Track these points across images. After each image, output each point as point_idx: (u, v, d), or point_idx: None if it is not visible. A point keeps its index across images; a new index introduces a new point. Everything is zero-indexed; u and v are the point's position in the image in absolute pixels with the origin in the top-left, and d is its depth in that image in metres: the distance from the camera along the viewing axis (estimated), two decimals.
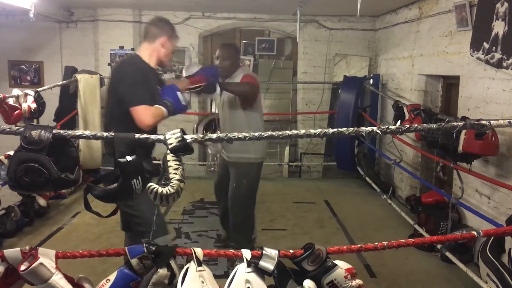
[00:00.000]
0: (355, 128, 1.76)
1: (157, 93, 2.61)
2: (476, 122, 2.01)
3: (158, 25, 2.75)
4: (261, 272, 1.45)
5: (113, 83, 2.66)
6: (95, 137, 1.72)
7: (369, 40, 6.88)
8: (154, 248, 1.44)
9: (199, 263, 1.46)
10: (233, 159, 3.63)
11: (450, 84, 4.85)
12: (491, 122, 1.96)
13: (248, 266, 1.45)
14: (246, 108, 3.54)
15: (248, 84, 3.45)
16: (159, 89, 2.66)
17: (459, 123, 1.90)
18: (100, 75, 6.12)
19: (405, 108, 4.86)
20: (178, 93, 2.60)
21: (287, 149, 6.99)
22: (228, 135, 1.72)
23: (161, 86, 2.73)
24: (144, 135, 1.70)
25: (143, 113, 2.41)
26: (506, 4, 3.33)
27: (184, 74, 3.45)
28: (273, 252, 1.46)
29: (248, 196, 3.69)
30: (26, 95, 4.24)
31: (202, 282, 1.43)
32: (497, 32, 3.43)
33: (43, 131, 1.61)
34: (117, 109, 2.56)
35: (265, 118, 7.13)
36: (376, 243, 1.57)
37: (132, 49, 6.70)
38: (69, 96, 5.99)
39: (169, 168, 1.62)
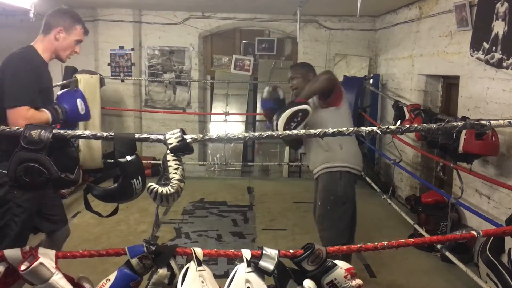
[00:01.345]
0: (355, 128, 1.76)
1: (49, 90, 2.45)
2: (476, 122, 2.00)
3: (55, 15, 2.50)
4: (261, 272, 1.45)
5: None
6: (95, 137, 1.71)
7: (369, 40, 6.88)
8: (154, 248, 1.44)
9: (199, 263, 1.46)
10: (319, 172, 3.14)
11: (450, 84, 4.85)
12: (491, 122, 1.96)
13: (248, 266, 1.45)
14: (327, 108, 3.08)
15: (319, 77, 3.01)
16: (50, 86, 2.50)
17: (459, 123, 1.90)
18: (100, 75, 6.11)
19: (405, 108, 4.87)
20: (79, 100, 2.42)
21: (287, 149, 6.99)
22: (228, 135, 1.72)
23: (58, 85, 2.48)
24: (144, 135, 1.70)
25: (17, 115, 2.18)
26: (506, 4, 3.33)
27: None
28: (273, 252, 1.46)
29: (338, 217, 3.04)
30: None
31: (202, 282, 1.43)
32: (497, 32, 3.43)
33: (43, 131, 1.61)
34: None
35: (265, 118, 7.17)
36: (376, 243, 1.57)
37: (132, 49, 6.71)
38: None
39: (169, 168, 1.62)
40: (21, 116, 2.17)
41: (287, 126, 2.73)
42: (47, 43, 2.48)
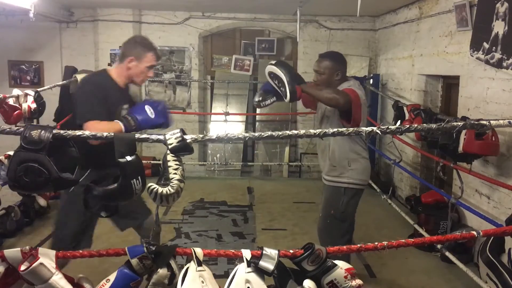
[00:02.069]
0: (355, 128, 1.76)
1: (118, 111, 2.63)
2: (476, 122, 2.00)
3: (127, 45, 2.75)
4: (261, 272, 1.45)
5: (73, 97, 2.70)
6: (95, 137, 1.72)
7: (369, 40, 6.88)
8: (154, 248, 1.44)
9: (199, 263, 1.46)
10: (325, 181, 3.19)
11: (450, 84, 4.85)
12: (491, 122, 1.96)
13: (248, 266, 1.45)
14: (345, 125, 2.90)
15: (340, 93, 2.77)
16: (124, 107, 2.69)
17: (459, 123, 1.90)
18: None
19: (405, 108, 4.87)
20: (147, 107, 2.53)
21: (287, 149, 7.00)
22: (228, 135, 1.72)
23: (132, 104, 2.75)
24: (144, 135, 1.71)
25: (89, 129, 2.33)
26: (506, 4, 3.33)
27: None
28: (273, 252, 1.46)
29: (337, 234, 3.06)
30: (26, 95, 4.23)
31: (202, 282, 1.43)
32: (497, 32, 3.43)
33: (43, 131, 1.61)
34: (74, 122, 2.53)
35: (265, 118, 7.19)
36: (376, 243, 1.57)
37: None
38: (69, 96, 5.98)
39: (169, 168, 1.62)
40: (94, 128, 2.31)
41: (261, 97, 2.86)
42: (121, 70, 2.73)
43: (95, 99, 2.54)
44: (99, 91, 2.59)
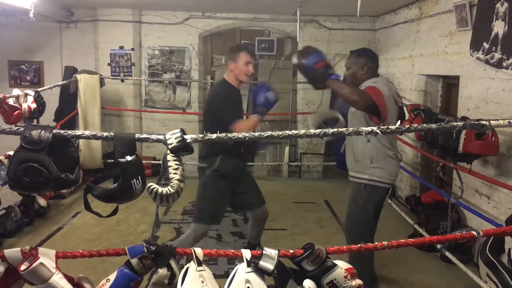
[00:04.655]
0: (355, 128, 1.76)
1: (239, 106, 3.47)
2: (476, 122, 2.00)
3: (226, 54, 3.43)
4: (261, 272, 1.45)
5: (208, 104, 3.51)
6: (95, 137, 1.71)
7: (369, 40, 6.88)
8: (154, 248, 1.44)
9: (199, 263, 1.46)
10: (350, 177, 3.23)
11: (450, 84, 4.85)
12: (491, 122, 1.96)
13: (248, 266, 1.45)
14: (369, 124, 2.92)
15: (362, 96, 2.78)
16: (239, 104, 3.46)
17: (459, 123, 1.90)
18: (100, 75, 6.11)
19: (405, 108, 4.86)
20: (268, 93, 3.24)
21: (287, 149, 7.00)
22: (228, 135, 1.72)
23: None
24: (144, 135, 1.70)
25: (239, 128, 3.01)
26: (506, 4, 3.33)
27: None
28: (273, 252, 1.46)
29: (359, 234, 3.06)
30: (26, 95, 4.23)
31: (202, 282, 1.43)
32: (497, 32, 3.43)
33: (43, 131, 1.60)
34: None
35: (265, 118, 7.17)
36: (376, 243, 1.57)
37: (132, 49, 6.71)
38: (69, 96, 5.99)
39: (169, 168, 1.62)
40: (240, 128, 3.03)
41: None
42: (229, 75, 3.38)
43: (226, 104, 3.27)
44: (226, 98, 3.31)
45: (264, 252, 1.45)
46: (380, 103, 2.82)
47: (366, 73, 3.04)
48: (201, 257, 1.47)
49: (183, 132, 1.66)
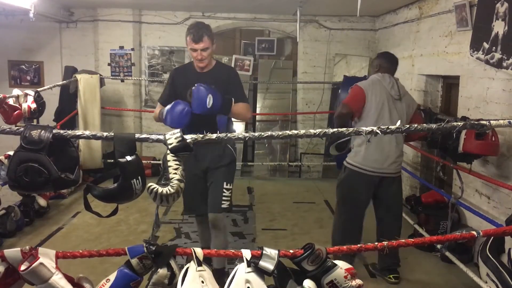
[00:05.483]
0: (355, 128, 1.76)
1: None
2: (476, 122, 2.00)
3: None
4: (261, 272, 1.45)
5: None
6: (95, 137, 1.71)
7: (369, 40, 6.88)
8: (154, 248, 1.44)
9: (199, 263, 1.46)
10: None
11: (450, 84, 4.85)
12: (491, 122, 1.96)
13: (248, 266, 1.45)
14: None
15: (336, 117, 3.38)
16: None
17: (459, 123, 1.90)
18: (100, 75, 6.11)
19: None
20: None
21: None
22: (228, 135, 1.72)
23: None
24: (144, 135, 1.71)
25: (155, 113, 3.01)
26: (506, 4, 3.33)
27: None
28: (273, 252, 1.46)
29: (339, 218, 3.65)
30: (26, 95, 4.23)
31: (202, 282, 1.43)
32: (497, 32, 3.43)
33: (43, 131, 1.61)
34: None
35: (265, 118, 7.19)
36: (376, 243, 1.57)
37: (132, 49, 6.71)
38: (69, 96, 5.99)
39: (169, 168, 1.62)
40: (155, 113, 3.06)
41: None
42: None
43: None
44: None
45: (264, 252, 1.45)
46: (350, 99, 3.33)
47: (376, 72, 3.40)
48: (201, 257, 1.47)
49: (183, 132, 1.66)
